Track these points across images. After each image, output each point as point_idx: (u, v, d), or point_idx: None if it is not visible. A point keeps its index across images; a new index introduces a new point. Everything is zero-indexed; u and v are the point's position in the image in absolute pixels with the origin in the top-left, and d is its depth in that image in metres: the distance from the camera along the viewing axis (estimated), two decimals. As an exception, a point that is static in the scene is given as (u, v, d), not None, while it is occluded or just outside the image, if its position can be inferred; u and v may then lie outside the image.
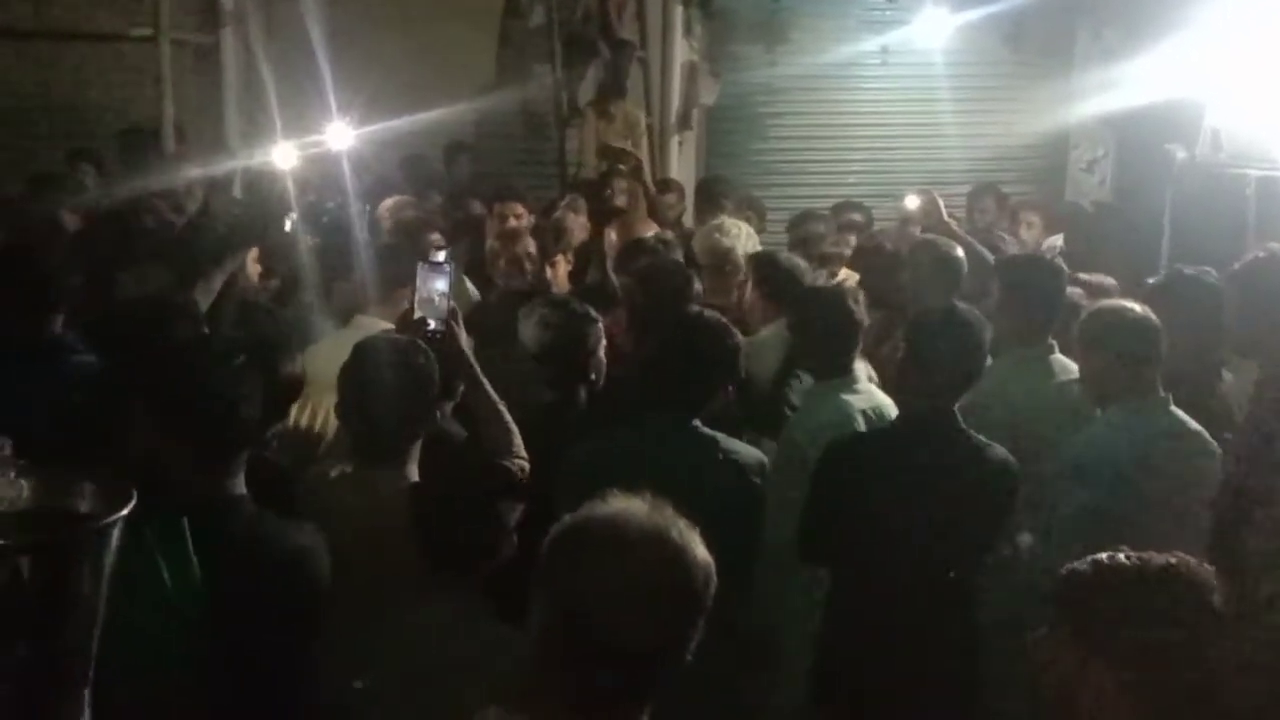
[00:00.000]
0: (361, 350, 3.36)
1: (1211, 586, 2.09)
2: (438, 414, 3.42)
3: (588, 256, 6.30)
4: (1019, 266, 4.74)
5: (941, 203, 6.12)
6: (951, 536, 3.55)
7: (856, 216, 7.42)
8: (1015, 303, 4.46)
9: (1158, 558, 2.14)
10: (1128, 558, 2.15)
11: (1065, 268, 4.77)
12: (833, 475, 3.61)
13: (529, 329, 4.10)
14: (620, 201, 7.04)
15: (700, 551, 1.92)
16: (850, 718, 3.65)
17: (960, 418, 3.68)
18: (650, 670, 1.89)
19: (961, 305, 3.94)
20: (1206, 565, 2.15)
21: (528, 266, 5.50)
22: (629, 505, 1.96)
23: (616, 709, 1.90)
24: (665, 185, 8.43)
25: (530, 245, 5.61)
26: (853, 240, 6.41)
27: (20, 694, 1.44)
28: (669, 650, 1.88)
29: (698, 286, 4.73)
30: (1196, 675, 2.03)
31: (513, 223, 6.64)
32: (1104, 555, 2.17)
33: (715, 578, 1.92)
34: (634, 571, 1.87)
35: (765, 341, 4.73)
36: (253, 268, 5.09)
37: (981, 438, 3.77)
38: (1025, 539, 4.01)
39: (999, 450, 3.73)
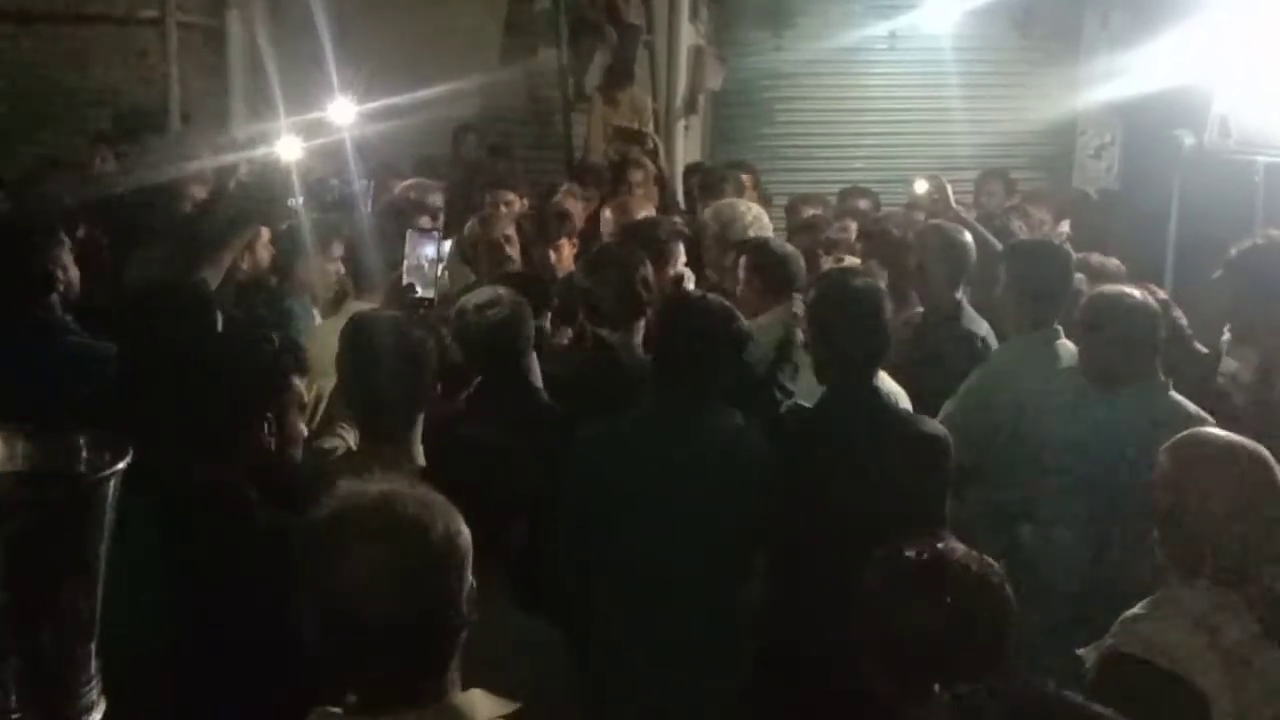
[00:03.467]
0: (358, 327, 3.37)
1: None
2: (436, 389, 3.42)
3: (592, 240, 6.31)
4: (1027, 252, 4.75)
5: (950, 188, 6.13)
6: (885, 513, 3.54)
7: (863, 203, 7.43)
8: (1023, 288, 4.48)
9: None
10: None
11: (1073, 253, 4.78)
12: (780, 458, 3.61)
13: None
14: (639, 187, 7.04)
15: (430, 513, 1.92)
16: (790, 701, 3.64)
17: (884, 393, 3.69)
18: (413, 641, 1.90)
19: (856, 275, 3.95)
20: None
21: (507, 251, 5.50)
22: (354, 494, 1.96)
23: (410, 684, 1.91)
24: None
25: (509, 229, 5.61)
26: (852, 225, 6.40)
27: (28, 649, 1.46)
28: (432, 617, 1.89)
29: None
30: None
31: (502, 210, 6.67)
32: None
33: (457, 540, 1.93)
34: (366, 553, 1.88)
35: (761, 329, 4.72)
36: (263, 251, 5.12)
37: (908, 410, 3.76)
38: (1026, 530, 4.03)
39: (927, 421, 3.75)
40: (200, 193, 6.35)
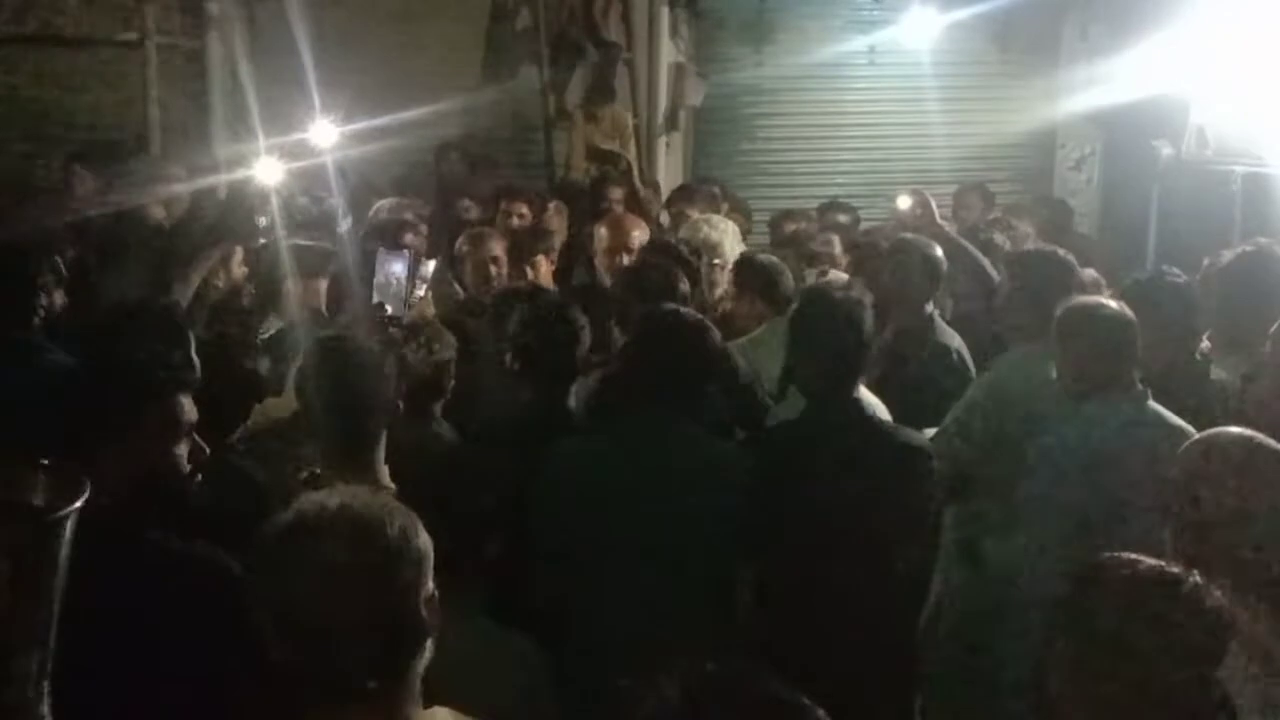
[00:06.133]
0: (314, 350, 3.35)
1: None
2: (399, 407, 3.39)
3: (572, 257, 6.31)
4: (1030, 262, 4.75)
5: (933, 203, 6.14)
6: (874, 524, 3.54)
7: (842, 217, 7.43)
8: (1025, 298, 4.48)
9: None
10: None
11: (1075, 264, 4.77)
12: (763, 473, 3.59)
13: (511, 328, 4.09)
14: (618, 204, 7.06)
15: (383, 513, 1.92)
16: None
17: (866, 405, 3.69)
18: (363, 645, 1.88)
19: (837, 287, 3.94)
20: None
21: (494, 271, 5.50)
22: (309, 499, 1.97)
23: (365, 689, 1.89)
24: (643, 184, 8.44)
25: (498, 249, 5.61)
26: (835, 239, 6.41)
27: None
28: (385, 616, 1.88)
29: (684, 287, 4.71)
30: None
31: (516, 221, 6.67)
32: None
33: (413, 541, 1.93)
34: (317, 551, 1.88)
35: (761, 341, 4.73)
36: (238, 270, 5.09)
37: (889, 421, 3.75)
38: (988, 543, 4.02)
39: (910, 432, 3.74)
40: (177, 213, 6.35)
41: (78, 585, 2.29)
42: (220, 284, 4.92)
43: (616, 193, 7.28)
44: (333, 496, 1.95)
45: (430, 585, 1.96)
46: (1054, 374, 4.27)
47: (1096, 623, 2.12)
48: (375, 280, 3.68)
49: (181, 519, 2.65)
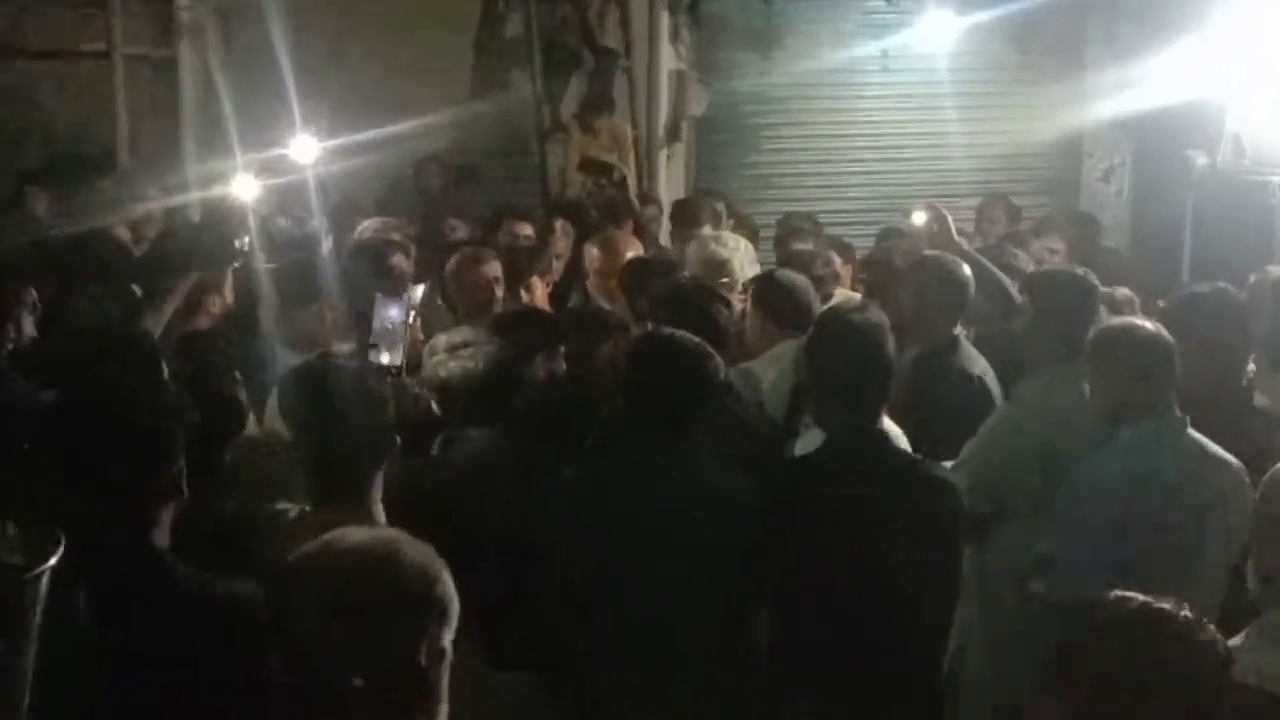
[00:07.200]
0: (305, 375, 3.33)
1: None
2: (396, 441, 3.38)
3: (569, 279, 6.31)
4: (1053, 282, 4.73)
5: (950, 218, 6.13)
6: (895, 565, 3.51)
7: (805, 225, 7.43)
8: (1049, 320, 4.47)
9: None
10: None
11: (1098, 284, 4.76)
12: (776, 510, 3.56)
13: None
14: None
15: (405, 562, 1.96)
16: None
17: (890, 437, 3.67)
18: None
19: (856, 311, 3.91)
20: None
21: (493, 294, 5.48)
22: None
23: None
24: (644, 200, 8.46)
25: (496, 270, 5.60)
26: (835, 258, 6.40)
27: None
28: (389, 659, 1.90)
29: (730, 312, 4.69)
30: None
31: (522, 241, 6.67)
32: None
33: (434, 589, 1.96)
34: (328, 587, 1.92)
35: (764, 368, 4.72)
36: (226, 295, 5.09)
37: (912, 454, 3.74)
38: (1036, 583, 4.00)
39: (935, 466, 3.72)
40: (147, 235, 6.35)
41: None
42: (215, 309, 4.92)
43: (627, 219, 7.30)
44: (351, 534, 2.00)
45: (445, 640, 1.97)
46: (1081, 402, 4.27)
47: (1089, 663, 2.15)
48: (374, 325, 3.68)
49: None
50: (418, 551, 1.99)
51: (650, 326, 4.38)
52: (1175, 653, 2.12)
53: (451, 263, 5.65)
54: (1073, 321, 4.39)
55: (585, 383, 4.47)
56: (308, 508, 3.32)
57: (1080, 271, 4.80)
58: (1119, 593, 2.22)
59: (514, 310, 5.29)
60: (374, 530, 2.04)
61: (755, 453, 4.10)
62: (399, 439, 3.35)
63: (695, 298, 4.61)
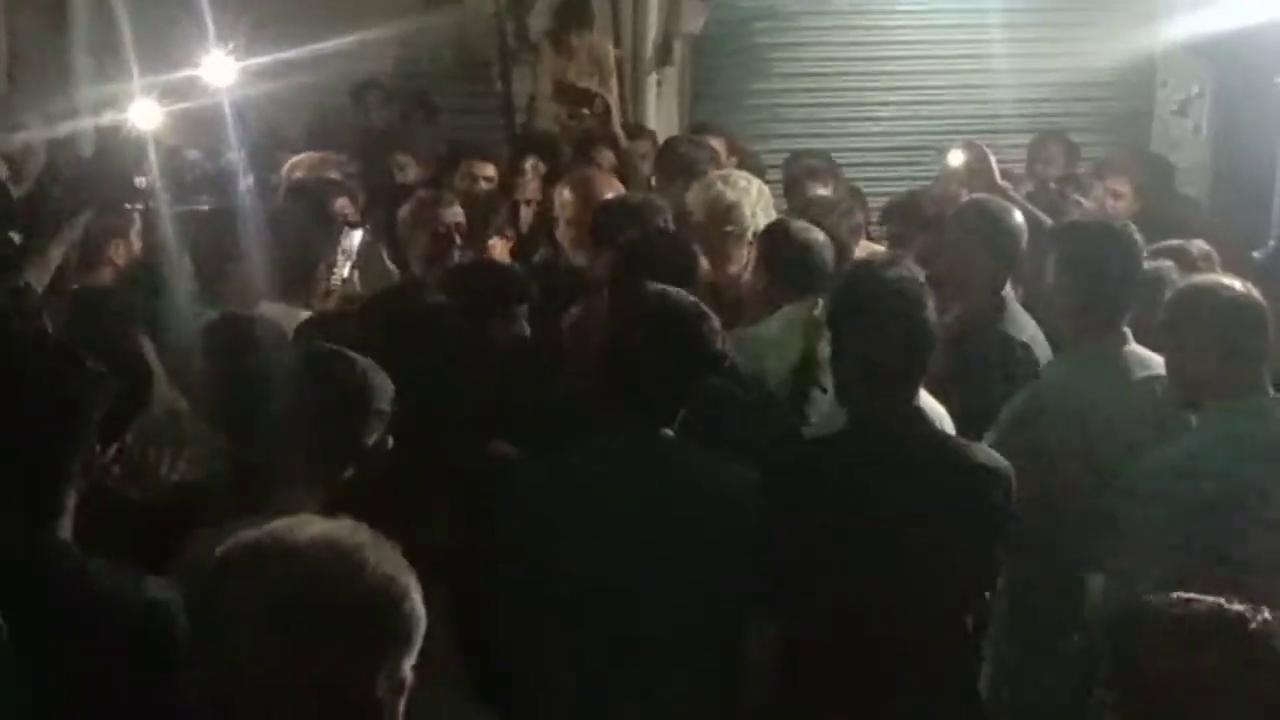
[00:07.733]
0: (239, 340, 3.30)
1: None
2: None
3: (537, 227, 6.29)
4: (1079, 235, 4.70)
5: (993, 159, 6.12)
6: (929, 570, 3.51)
7: (821, 164, 7.43)
8: (1076, 283, 4.43)
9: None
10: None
11: (1140, 237, 4.73)
12: (773, 502, 3.55)
13: None
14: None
15: (369, 568, 1.94)
16: None
17: (928, 417, 3.69)
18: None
19: (889, 266, 3.88)
20: None
21: (455, 242, 5.48)
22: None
23: None
24: (636, 132, 8.43)
25: (458, 215, 5.59)
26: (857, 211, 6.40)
27: None
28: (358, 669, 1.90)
29: (704, 266, 4.69)
30: None
31: (483, 185, 6.64)
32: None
33: (396, 593, 1.95)
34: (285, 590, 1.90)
35: (764, 336, 4.71)
36: (135, 241, 5.08)
37: (953, 436, 3.76)
38: (1097, 581, 4.01)
39: (982, 450, 3.72)
40: (30, 170, 6.31)
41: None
42: (119, 259, 4.90)
43: (606, 155, 7.25)
44: (304, 527, 1.97)
45: (406, 668, 1.96)
46: (1129, 377, 4.27)
47: (1148, 667, 2.19)
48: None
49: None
50: (384, 558, 1.95)
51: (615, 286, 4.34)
52: (1257, 656, 2.15)
53: (405, 208, 5.65)
54: (1104, 285, 4.36)
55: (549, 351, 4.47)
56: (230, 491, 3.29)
57: (1118, 224, 4.76)
58: (1175, 594, 2.25)
59: (466, 263, 5.28)
60: (333, 525, 1.97)
61: (756, 437, 4.10)
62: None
63: (661, 252, 4.57)
